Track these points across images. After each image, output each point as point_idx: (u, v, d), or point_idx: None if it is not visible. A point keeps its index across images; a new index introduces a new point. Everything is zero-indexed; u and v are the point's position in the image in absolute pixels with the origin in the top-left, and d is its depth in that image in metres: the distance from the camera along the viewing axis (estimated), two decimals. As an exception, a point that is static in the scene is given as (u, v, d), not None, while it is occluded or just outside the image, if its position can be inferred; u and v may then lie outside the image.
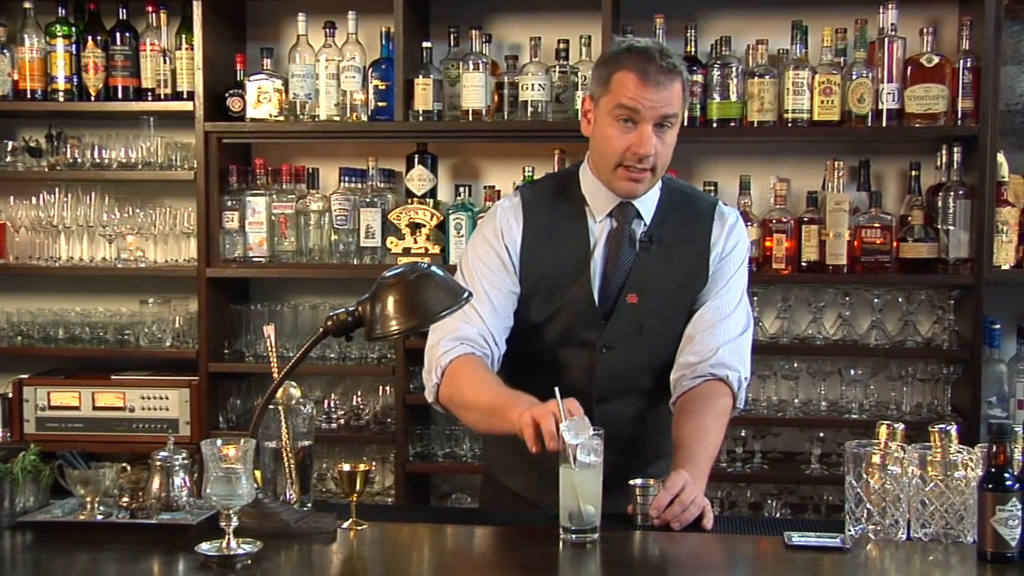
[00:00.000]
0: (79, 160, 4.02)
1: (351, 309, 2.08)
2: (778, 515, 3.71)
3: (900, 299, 3.77)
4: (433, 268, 2.11)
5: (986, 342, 3.64)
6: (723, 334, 2.39)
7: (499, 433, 2.23)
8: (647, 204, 2.44)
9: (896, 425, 2.07)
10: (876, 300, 3.77)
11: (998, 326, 3.69)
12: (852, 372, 3.76)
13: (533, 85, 3.76)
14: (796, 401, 3.81)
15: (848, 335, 3.79)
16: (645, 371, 2.44)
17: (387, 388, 3.95)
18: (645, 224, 2.43)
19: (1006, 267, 3.63)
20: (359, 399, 4.00)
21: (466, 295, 2.09)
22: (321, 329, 2.10)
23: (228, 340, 4.03)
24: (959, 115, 3.62)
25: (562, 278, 2.40)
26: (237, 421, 3.99)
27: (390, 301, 2.04)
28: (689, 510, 2.12)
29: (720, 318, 2.41)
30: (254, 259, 3.95)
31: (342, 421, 3.99)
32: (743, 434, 3.79)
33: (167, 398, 3.92)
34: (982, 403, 3.61)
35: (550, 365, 2.42)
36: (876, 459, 2.02)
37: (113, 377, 3.98)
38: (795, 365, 3.79)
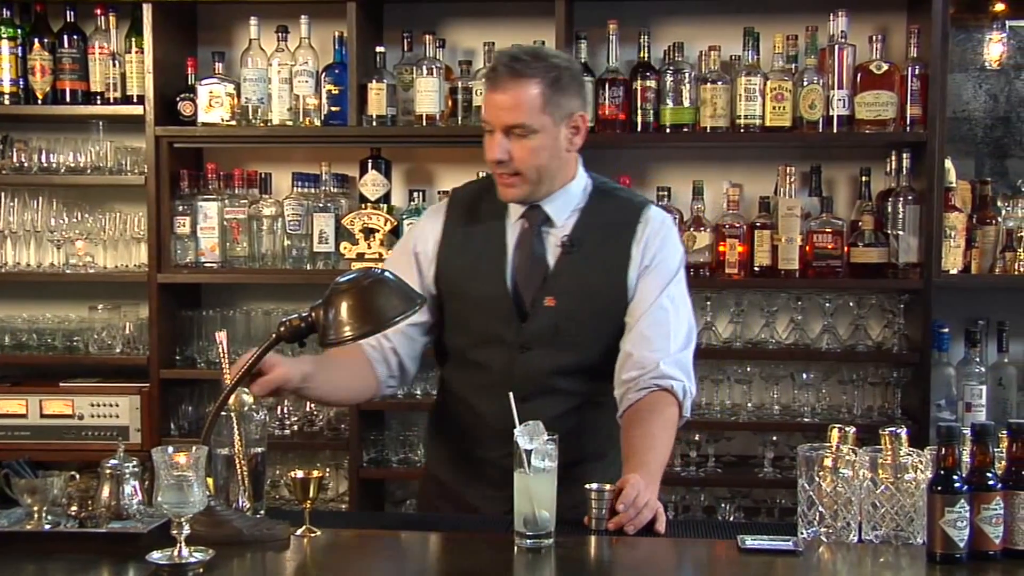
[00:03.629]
0: (26, 164, 3.96)
1: (304, 315, 2.07)
2: (731, 518, 3.73)
3: (851, 303, 3.81)
4: (387, 273, 2.11)
5: (935, 346, 3.68)
6: (663, 349, 2.36)
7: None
8: (558, 207, 2.44)
9: (847, 428, 2.09)
10: (828, 304, 3.80)
11: (946, 330, 3.74)
12: (804, 376, 3.79)
13: (487, 90, 3.75)
14: (749, 405, 3.84)
15: (800, 339, 3.83)
16: (564, 373, 2.42)
17: (341, 394, 3.92)
18: (555, 226, 2.43)
19: (954, 271, 3.67)
20: (312, 405, 3.97)
21: (420, 300, 2.09)
22: (274, 335, 2.09)
23: (179, 346, 3.99)
24: (908, 122, 3.66)
25: (477, 274, 2.43)
26: (189, 428, 3.95)
27: (344, 307, 2.03)
28: (642, 514, 2.12)
29: (659, 334, 2.37)
30: (206, 264, 3.91)
31: (295, 427, 3.96)
32: (696, 438, 3.81)
33: (117, 405, 3.87)
34: (931, 406, 3.65)
35: (473, 362, 2.46)
36: (828, 462, 2.04)
37: (61, 384, 3.92)
38: (748, 369, 3.81)
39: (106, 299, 4.03)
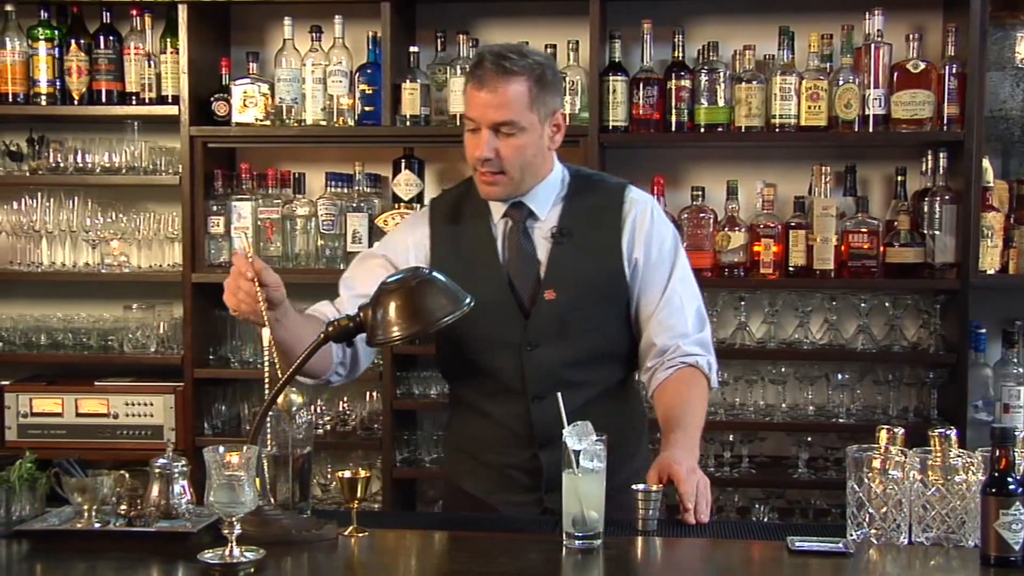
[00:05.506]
0: (61, 164, 3.98)
1: (353, 315, 2.07)
2: (765, 519, 3.71)
3: (887, 304, 3.79)
4: (434, 273, 2.11)
5: (972, 346, 3.66)
6: (683, 333, 2.43)
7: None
8: (540, 200, 2.45)
9: (896, 429, 2.08)
10: (863, 305, 3.78)
11: (984, 330, 3.71)
12: (839, 376, 3.77)
13: (521, 90, 3.74)
14: (783, 405, 3.82)
15: (835, 340, 3.81)
16: (575, 365, 2.41)
17: (374, 394, 3.93)
18: (539, 219, 2.44)
19: (991, 272, 3.65)
20: (345, 405, 3.98)
21: (468, 300, 2.09)
22: (322, 334, 2.09)
23: (213, 346, 4.00)
24: (944, 121, 3.64)
25: (473, 280, 2.35)
26: (222, 427, 3.97)
27: (392, 307, 2.03)
28: (700, 504, 2.18)
29: (678, 320, 2.44)
30: (240, 264, 3.91)
31: (328, 427, 3.96)
32: (730, 438, 3.79)
33: (151, 404, 3.88)
34: (968, 407, 3.63)
35: (482, 369, 2.45)
36: (877, 463, 2.03)
37: (96, 383, 3.93)
38: (782, 370, 3.80)
39: (141, 299, 4.05)
